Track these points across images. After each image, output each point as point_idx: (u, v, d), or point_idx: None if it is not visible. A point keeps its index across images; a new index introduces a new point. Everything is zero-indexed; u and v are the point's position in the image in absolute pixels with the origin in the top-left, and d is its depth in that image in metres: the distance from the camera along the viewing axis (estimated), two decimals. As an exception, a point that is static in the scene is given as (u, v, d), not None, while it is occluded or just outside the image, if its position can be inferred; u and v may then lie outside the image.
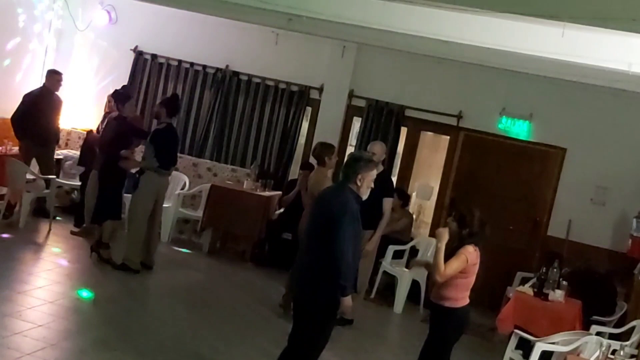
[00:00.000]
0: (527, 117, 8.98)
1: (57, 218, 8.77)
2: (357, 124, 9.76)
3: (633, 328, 6.33)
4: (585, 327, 6.38)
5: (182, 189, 9.38)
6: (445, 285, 4.76)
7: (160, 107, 7.58)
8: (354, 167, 4.66)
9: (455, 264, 4.67)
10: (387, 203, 7.07)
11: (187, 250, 9.14)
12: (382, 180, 7.25)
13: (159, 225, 7.93)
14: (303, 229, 6.88)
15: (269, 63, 9.81)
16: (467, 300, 4.85)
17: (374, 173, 4.69)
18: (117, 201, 7.60)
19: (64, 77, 8.85)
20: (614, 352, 5.11)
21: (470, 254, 4.71)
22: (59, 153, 9.50)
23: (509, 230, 9.06)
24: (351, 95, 9.59)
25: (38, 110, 8.52)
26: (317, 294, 4.56)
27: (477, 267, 4.82)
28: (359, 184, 4.61)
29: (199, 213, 9.25)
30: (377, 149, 7.32)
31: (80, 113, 10.16)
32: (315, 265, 4.57)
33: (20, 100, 8.63)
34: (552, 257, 7.24)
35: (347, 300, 4.47)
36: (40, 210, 8.78)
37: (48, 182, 8.60)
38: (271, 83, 9.81)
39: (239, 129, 9.92)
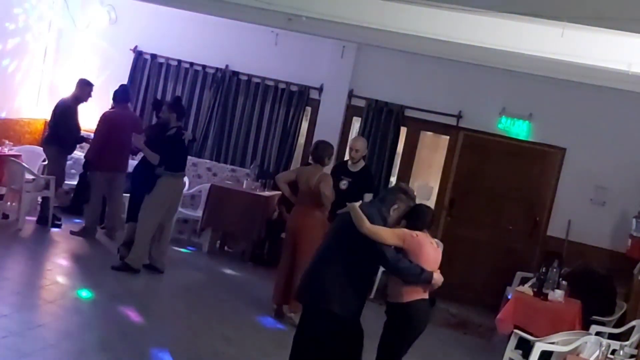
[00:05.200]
0: (526, 117, 8.98)
1: (57, 222, 8.73)
2: (356, 124, 9.75)
3: (632, 328, 6.33)
4: (585, 327, 6.38)
5: (182, 189, 9.38)
6: (393, 281, 4.77)
7: (170, 112, 7.54)
8: (396, 196, 4.82)
9: (385, 230, 4.62)
10: (368, 198, 7.09)
11: (187, 250, 9.15)
12: (364, 176, 7.29)
13: (170, 229, 7.91)
14: (292, 228, 6.89)
15: (268, 63, 9.81)
16: (419, 296, 4.67)
17: (404, 211, 4.79)
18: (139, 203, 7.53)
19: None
20: (613, 352, 5.11)
21: (409, 235, 4.63)
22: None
23: (508, 230, 9.08)
24: (351, 95, 9.59)
25: (73, 120, 8.58)
26: (347, 304, 4.69)
27: (427, 260, 4.65)
28: (390, 213, 4.76)
29: (198, 213, 9.26)
30: (360, 144, 7.35)
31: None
32: (346, 276, 4.66)
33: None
34: (552, 257, 7.23)
35: (435, 278, 4.63)
36: (44, 218, 8.68)
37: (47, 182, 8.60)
38: (271, 83, 9.81)
39: (239, 129, 9.92)
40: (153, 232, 7.51)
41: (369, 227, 4.53)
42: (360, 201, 4.85)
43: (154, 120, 8.68)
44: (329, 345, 4.77)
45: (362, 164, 7.41)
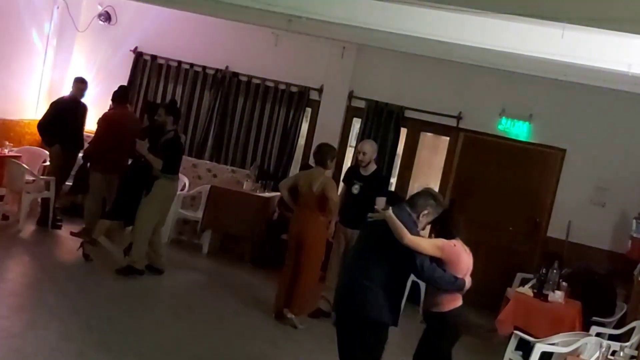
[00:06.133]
0: (526, 118, 8.98)
1: (58, 224, 8.76)
2: (356, 125, 9.76)
3: (633, 329, 6.33)
4: (585, 328, 6.39)
5: (182, 190, 9.36)
6: (431, 290, 4.81)
7: (166, 115, 7.52)
8: (427, 201, 4.75)
9: (425, 241, 4.66)
10: (380, 202, 7.07)
11: (187, 252, 9.14)
12: (375, 179, 7.27)
13: (161, 230, 7.95)
14: (295, 233, 6.89)
15: (268, 64, 9.82)
16: (458, 303, 4.78)
17: (433, 217, 4.78)
18: (133, 205, 7.53)
19: (88, 85, 8.92)
20: (613, 353, 5.12)
21: (448, 245, 4.67)
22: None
23: (508, 231, 9.07)
24: (351, 96, 9.59)
25: (64, 117, 8.58)
26: (385, 312, 4.65)
27: (463, 268, 4.73)
28: (420, 218, 4.72)
29: (198, 214, 9.26)
30: (368, 148, 7.31)
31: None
32: (387, 286, 4.64)
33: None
34: (552, 258, 7.24)
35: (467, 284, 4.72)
36: (44, 219, 8.70)
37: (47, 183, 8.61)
38: (271, 84, 9.81)
39: (239, 130, 9.92)
40: (150, 233, 7.50)
41: (410, 238, 4.51)
42: (390, 208, 4.77)
43: (146, 123, 8.65)
44: (377, 351, 4.78)
45: (373, 167, 7.33)
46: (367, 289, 4.63)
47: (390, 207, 4.73)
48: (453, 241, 4.72)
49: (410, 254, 4.54)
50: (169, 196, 7.67)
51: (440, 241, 4.68)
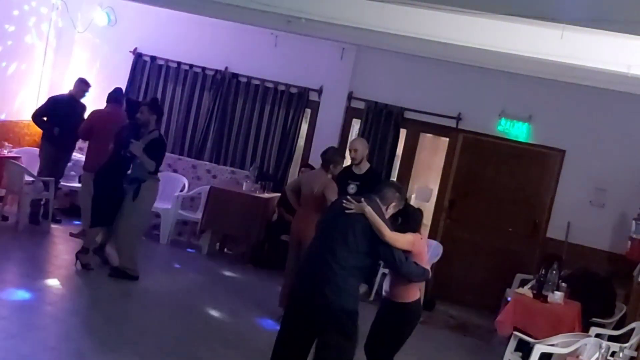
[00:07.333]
0: (526, 119, 8.98)
1: (57, 219, 8.82)
2: (356, 125, 9.75)
3: (632, 330, 6.33)
4: (585, 329, 6.39)
5: (182, 190, 9.38)
6: (395, 281, 4.94)
7: (150, 113, 7.31)
8: (394, 194, 4.88)
9: (401, 236, 4.74)
10: None
11: (186, 252, 9.14)
12: (371, 177, 7.26)
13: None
14: (296, 232, 6.89)
15: (268, 65, 9.82)
16: (418, 295, 5.00)
17: (397, 209, 4.90)
18: (112, 206, 7.35)
19: (90, 87, 8.96)
20: (613, 354, 5.13)
21: (417, 239, 4.87)
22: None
23: (508, 232, 9.08)
24: (350, 97, 9.59)
25: (58, 113, 8.59)
26: (351, 303, 4.71)
27: (425, 259, 4.98)
28: (388, 210, 4.83)
29: (198, 215, 9.26)
30: (358, 145, 7.30)
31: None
32: (353, 275, 4.70)
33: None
34: (551, 259, 7.24)
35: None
36: (34, 215, 8.72)
37: (47, 184, 8.60)
38: (270, 85, 9.81)
39: (238, 130, 9.92)
40: (139, 238, 7.44)
41: (390, 235, 4.62)
42: (362, 198, 4.78)
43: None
44: (356, 336, 4.85)
45: (366, 165, 7.33)
46: (339, 276, 4.64)
47: (363, 200, 4.74)
48: (418, 235, 4.91)
49: (387, 248, 4.64)
50: (154, 197, 7.53)
51: (411, 235, 4.83)
